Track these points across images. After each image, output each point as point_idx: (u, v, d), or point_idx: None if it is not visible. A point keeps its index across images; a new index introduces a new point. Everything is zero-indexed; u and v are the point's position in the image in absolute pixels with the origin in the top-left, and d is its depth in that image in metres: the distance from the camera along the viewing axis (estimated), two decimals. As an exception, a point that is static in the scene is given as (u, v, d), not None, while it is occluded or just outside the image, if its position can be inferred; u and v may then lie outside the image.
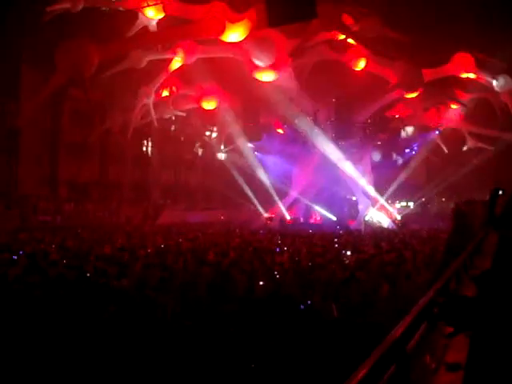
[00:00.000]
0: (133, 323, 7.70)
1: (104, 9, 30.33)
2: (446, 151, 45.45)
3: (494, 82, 35.55)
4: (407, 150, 43.55)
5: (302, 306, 8.75)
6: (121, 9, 30.55)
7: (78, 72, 27.68)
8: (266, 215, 41.32)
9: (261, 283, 10.71)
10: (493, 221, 5.89)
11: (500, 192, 5.98)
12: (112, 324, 7.74)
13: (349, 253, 16.56)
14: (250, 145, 41.69)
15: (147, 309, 8.36)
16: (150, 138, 49.31)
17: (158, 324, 7.92)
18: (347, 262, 14.48)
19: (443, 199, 51.12)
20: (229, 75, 36.28)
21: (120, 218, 41.00)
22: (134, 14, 31.65)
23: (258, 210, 42.56)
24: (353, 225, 36.43)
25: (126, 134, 37.39)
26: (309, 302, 9.00)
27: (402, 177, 41.98)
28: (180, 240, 22.99)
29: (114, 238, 23.99)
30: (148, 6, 30.35)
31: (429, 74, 36.90)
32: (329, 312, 8.39)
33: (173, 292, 9.83)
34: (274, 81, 35.06)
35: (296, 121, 39.74)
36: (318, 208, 42.05)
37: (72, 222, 34.69)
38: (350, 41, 35.71)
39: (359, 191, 40.20)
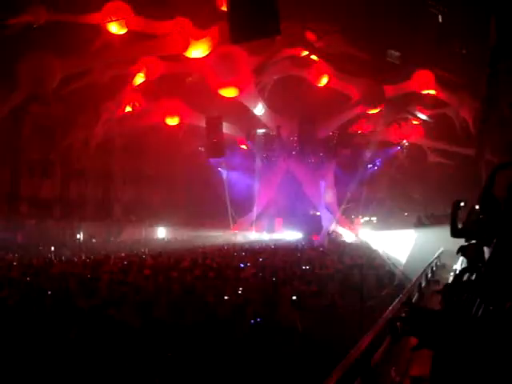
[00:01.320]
0: (95, 343, 7.59)
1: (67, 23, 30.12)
2: (407, 166, 46.01)
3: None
4: (370, 166, 43.93)
5: (259, 320, 8.74)
6: (84, 23, 30.41)
7: (40, 86, 27.36)
8: (229, 231, 41.19)
9: (226, 298, 10.68)
10: (454, 232, 6.00)
11: (462, 204, 6.08)
12: (75, 344, 7.61)
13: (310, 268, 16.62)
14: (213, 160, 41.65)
15: (108, 327, 8.24)
16: (112, 154, 48.88)
17: (119, 342, 7.81)
18: (311, 277, 14.49)
19: (405, 214, 51.63)
20: (192, 91, 36.27)
21: (82, 234, 40.47)
22: (97, 29, 31.50)
23: (222, 225, 42.41)
24: (317, 240, 36.53)
25: (88, 149, 37.02)
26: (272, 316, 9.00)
27: (365, 192, 42.32)
28: (143, 256, 22.80)
29: (77, 256, 23.70)
30: (111, 21, 30.28)
31: (390, 91, 37.47)
32: (294, 326, 8.38)
33: (135, 309, 9.72)
34: (236, 97, 35.16)
35: (259, 137, 39.89)
36: (281, 223, 42.09)
37: (33, 240, 34.11)
38: (313, 57, 36.08)
39: (322, 206, 40.37)
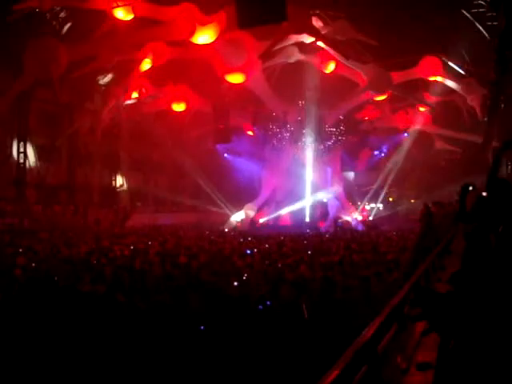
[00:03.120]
0: (105, 328, 7.60)
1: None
2: (414, 153, 45.94)
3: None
4: (376, 152, 43.87)
5: (268, 303, 8.76)
6: (90, 9, 30.29)
7: (47, 72, 27.28)
8: (235, 217, 41.19)
9: (235, 284, 10.71)
10: (463, 215, 5.98)
11: (470, 188, 6.07)
12: (83, 329, 7.62)
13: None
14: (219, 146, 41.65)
15: (118, 313, 8.26)
16: (118, 140, 48.87)
17: (130, 328, 7.84)
18: (317, 263, 14.48)
19: (412, 200, 51.55)
20: (199, 77, 36.20)
21: (89, 220, 40.54)
22: (103, 14, 31.39)
23: (228, 212, 42.45)
24: (323, 226, 36.56)
25: (94, 135, 37.04)
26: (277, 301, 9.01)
27: (372, 178, 42.31)
28: (150, 243, 22.85)
29: (83, 241, 23.74)
30: (117, 6, 30.14)
31: (397, 77, 37.30)
32: (299, 312, 8.38)
33: (142, 295, 9.74)
34: (243, 83, 35.07)
35: (266, 123, 39.86)
36: (288, 210, 42.08)
37: (40, 225, 34.20)
38: (320, 43, 35.90)
39: (329, 193, 40.34)
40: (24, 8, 27.86)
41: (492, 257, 3.54)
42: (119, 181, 49.75)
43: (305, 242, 23.05)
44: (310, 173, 39.28)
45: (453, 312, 2.13)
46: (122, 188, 49.90)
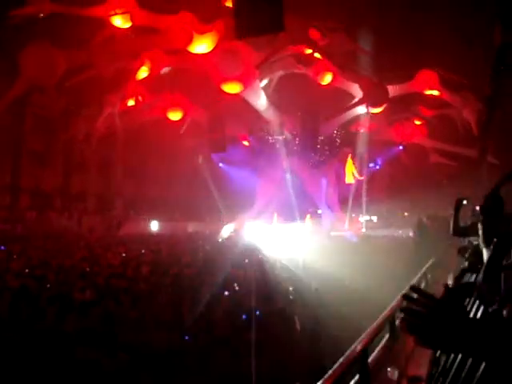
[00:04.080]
0: (91, 336, 7.56)
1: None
2: (408, 166, 46.02)
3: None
4: (371, 165, 43.91)
5: (257, 312, 8.74)
6: (88, 16, 30.37)
7: (43, 78, 27.30)
8: (230, 227, 41.11)
9: (226, 293, 10.70)
10: (456, 230, 6.00)
11: (464, 202, 6.08)
12: (71, 337, 7.59)
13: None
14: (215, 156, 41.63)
15: (107, 321, 8.22)
16: (114, 148, 48.84)
17: (118, 337, 7.81)
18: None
19: (406, 213, 51.59)
20: (195, 86, 36.24)
21: (83, 227, 40.45)
22: (101, 22, 31.47)
23: (222, 221, 42.36)
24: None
25: (90, 142, 37.00)
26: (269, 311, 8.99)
27: (366, 191, 42.30)
28: (143, 251, 22.79)
29: (76, 248, 23.68)
30: (115, 14, 30.24)
31: (393, 90, 37.44)
32: (291, 323, 8.36)
33: (134, 303, 9.72)
34: (240, 93, 35.13)
35: (261, 133, 39.92)
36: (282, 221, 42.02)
37: (33, 232, 34.12)
38: (317, 55, 36.03)
39: (323, 205, 40.31)
40: (22, 13, 27.94)
41: (484, 273, 3.53)
42: (114, 188, 49.66)
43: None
44: (304, 184, 39.26)
45: (442, 328, 2.11)
46: (116, 195, 49.81)
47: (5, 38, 29.88)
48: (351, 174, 40.74)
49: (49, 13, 28.94)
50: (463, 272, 6.24)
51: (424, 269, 12.33)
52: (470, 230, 5.97)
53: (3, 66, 32.58)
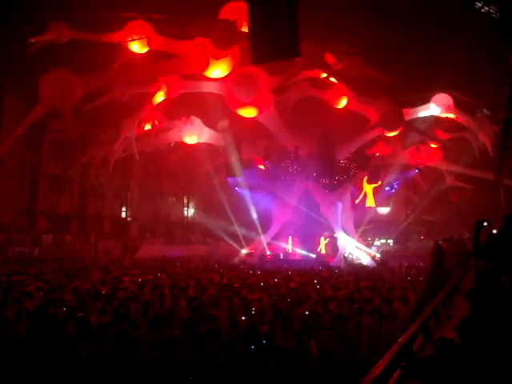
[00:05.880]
0: (109, 360, 7.56)
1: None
2: (424, 189, 45.86)
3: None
4: (387, 188, 43.79)
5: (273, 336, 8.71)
6: (106, 42, 30.78)
7: (62, 103, 27.56)
8: (245, 250, 41.05)
9: (243, 318, 10.66)
10: (476, 251, 5.96)
11: (485, 224, 6.05)
12: (89, 361, 7.59)
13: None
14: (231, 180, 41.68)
15: (124, 344, 8.21)
16: (130, 172, 49.13)
17: (134, 360, 7.80)
18: (326, 298, 14.37)
19: (422, 237, 51.30)
20: (211, 111, 36.43)
21: (99, 251, 40.59)
22: (118, 48, 31.85)
23: (237, 245, 42.34)
24: (332, 262, 36.31)
25: (106, 167, 37.24)
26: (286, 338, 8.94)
27: (382, 214, 42.16)
28: (159, 274, 22.82)
29: (92, 272, 23.78)
30: (133, 40, 30.59)
31: (409, 114, 37.45)
32: (308, 349, 8.31)
33: (150, 327, 9.71)
34: (255, 117, 35.27)
35: (277, 157, 39.98)
36: (298, 244, 41.88)
37: (50, 255, 34.30)
38: (332, 79, 36.17)
39: (339, 228, 40.15)
40: (41, 40, 28.37)
41: (502, 301, 3.52)
42: (130, 212, 49.91)
43: (315, 280, 22.71)
44: (320, 208, 39.13)
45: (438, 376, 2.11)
46: (132, 219, 50.03)
47: (25, 64, 30.34)
48: (371, 197, 40.56)
49: (67, 39, 29.38)
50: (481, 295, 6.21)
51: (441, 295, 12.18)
52: (491, 252, 5.95)
53: (22, 91, 33.06)
